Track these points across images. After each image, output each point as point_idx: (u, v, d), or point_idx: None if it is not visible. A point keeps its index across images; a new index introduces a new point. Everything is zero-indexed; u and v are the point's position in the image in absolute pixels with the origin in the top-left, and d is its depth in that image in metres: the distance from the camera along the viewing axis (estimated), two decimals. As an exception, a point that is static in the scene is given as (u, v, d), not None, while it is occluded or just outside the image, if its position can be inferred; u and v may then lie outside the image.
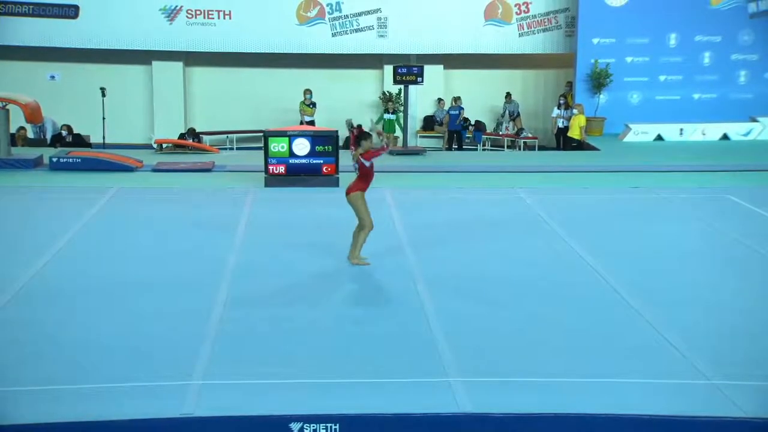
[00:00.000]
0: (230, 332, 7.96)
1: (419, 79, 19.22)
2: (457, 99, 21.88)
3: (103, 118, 20.13)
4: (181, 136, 20.91)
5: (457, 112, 21.66)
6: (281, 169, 14.91)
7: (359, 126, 10.17)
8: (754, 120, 20.90)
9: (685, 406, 6.34)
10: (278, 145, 14.88)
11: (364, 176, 9.85)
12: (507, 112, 23.05)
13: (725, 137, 20.71)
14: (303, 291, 9.22)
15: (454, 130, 21.76)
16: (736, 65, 21.67)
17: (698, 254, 10.53)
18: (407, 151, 19.57)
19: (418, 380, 6.89)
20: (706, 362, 7.16)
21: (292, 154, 14.91)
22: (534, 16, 22.88)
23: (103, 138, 20.26)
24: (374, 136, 10.05)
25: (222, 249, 10.74)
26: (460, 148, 21.77)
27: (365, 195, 9.88)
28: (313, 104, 21.74)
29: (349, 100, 22.99)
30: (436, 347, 7.59)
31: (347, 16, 22.81)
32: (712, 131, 20.75)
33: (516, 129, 22.68)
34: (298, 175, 14.91)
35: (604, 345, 7.61)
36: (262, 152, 15.12)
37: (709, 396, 6.55)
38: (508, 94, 23.02)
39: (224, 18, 22.45)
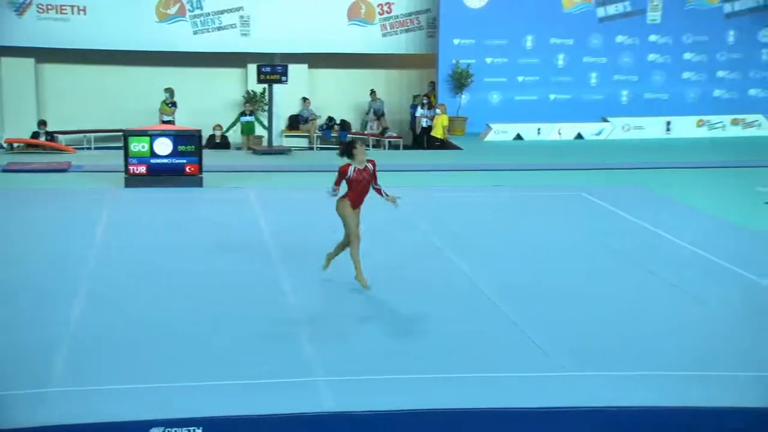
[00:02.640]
0: (87, 337, 7.69)
1: (283, 78, 19.13)
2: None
3: (-52, 118, 19.06)
4: (34, 135, 20.02)
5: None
6: (142, 169, 14.52)
7: (351, 141, 9.36)
8: (605, 120, 21.87)
9: (548, 398, 6.55)
10: (139, 145, 14.49)
11: (349, 187, 9.11)
12: (372, 110, 23.24)
13: (579, 136, 21.58)
14: (162, 293, 9.01)
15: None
16: (587, 67, 22.61)
17: (555, 250, 10.90)
18: (272, 151, 19.44)
19: (283, 381, 6.84)
20: (564, 356, 7.42)
21: (153, 154, 14.55)
22: (396, 17, 23.15)
23: (-53, 138, 19.19)
24: (359, 151, 9.08)
25: (80, 252, 10.36)
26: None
27: (352, 207, 9.10)
28: (174, 104, 21.25)
29: (212, 100, 22.58)
30: (300, 347, 7.56)
31: (209, 13, 22.43)
32: (567, 131, 21.58)
33: (381, 128, 22.90)
34: (160, 175, 14.56)
35: (471, 342, 7.77)
36: (122, 152, 14.69)
37: (567, 387, 6.79)
38: (373, 92, 23.21)
39: (78, 13, 21.63)
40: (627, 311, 8.54)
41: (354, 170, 9.07)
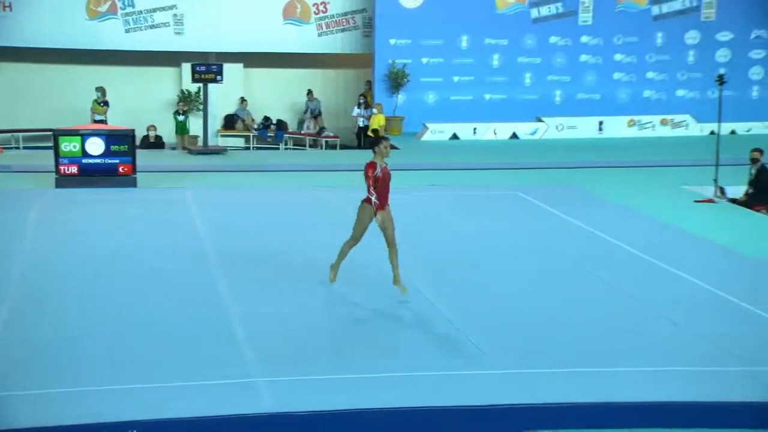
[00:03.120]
0: (12, 342, 7.50)
1: (218, 77, 18.96)
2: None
3: None
4: (-41, 135, 19.48)
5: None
6: (73, 169, 14.24)
7: (375, 131, 8.99)
8: (540, 120, 22.18)
9: (482, 396, 6.61)
10: (70, 145, 14.22)
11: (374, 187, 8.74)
12: (309, 110, 23.16)
13: (514, 136, 21.84)
14: (91, 295, 8.85)
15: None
16: (521, 68, 22.89)
17: (491, 249, 11.01)
18: (208, 150, 19.24)
19: (221, 382, 6.77)
20: (499, 352, 7.49)
21: (85, 154, 14.29)
22: (332, 16, 23.12)
23: None
24: (383, 149, 8.73)
25: (8, 254, 10.10)
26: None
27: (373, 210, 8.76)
28: (106, 103, 20.86)
29: (146, 99, 22.24)
30: (239, 347, 7.50)
31: (141, 11, 22.08)
32: (503, 130, 21.83)
33: (317, 128, 22.84)
34: (93, 175, 14.30)
35: (406, 340, 7.79)
36: (52, 152, 14.37)
37: (504, 383, 6.86)
38: (310, 92, 23.13)
39: (4, 10, 21.08)
40: (563, 309, 8.65)
41: (380, 168, 8.72)
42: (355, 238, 8.95)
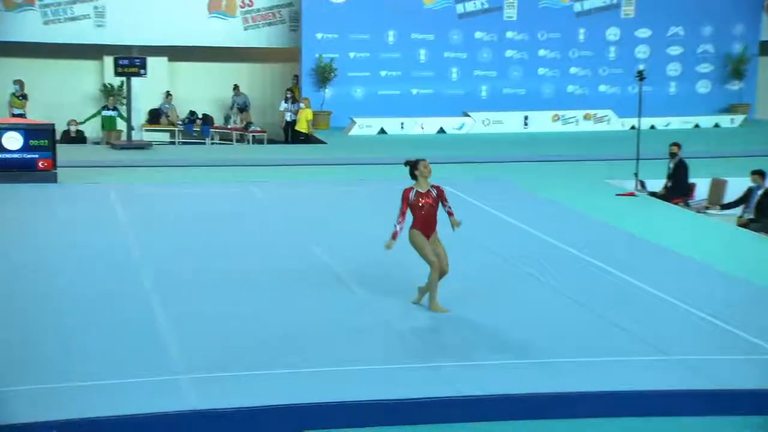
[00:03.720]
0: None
1: (142, 71, 18.64)
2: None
3: None
4: None
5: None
6: (-9, 164, 13.85)
7: (407, 161, 8.46)
8: (466, 115, 22.39)
9: (404, 389, 6.65)
10: (-14, 139, 13.81)
11: (413, 215, 8.32)
12: (235, 104, 22.94)
13: (442, 131, 22.00)
14: (9, 294, 8.64)
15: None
16: (448, 62, 23.07)
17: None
18: (132, 145, 18.91)
19: (145, 380, 6.67)
20: (422, 345, 7.54)
21: (2, 149, 13.92)
22: (258, 10, 22.94)
23: None
24: (422, 172, 8.27)
25: None
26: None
27: (428, 235, 8.30)
28: (24, 96, 20.31)
29: (67, 93, 21.76)
30: (165, 345, 7.40)
31: (60, 3, 21.56)
32: (430, 125, 21.97)
33: (244, 123, 22.64)
34: (10, 170, 13.92)
35: (333, 334, 7.78)
36: (-33, 147, 13.96)
37: (425, 376, 6.92)
38: (236, 86, 22.91)
39: None
40: (483, 302, 8.73)
41: (415, 194, 8.24)
42: (435, 265, 8.24)
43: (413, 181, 8.38)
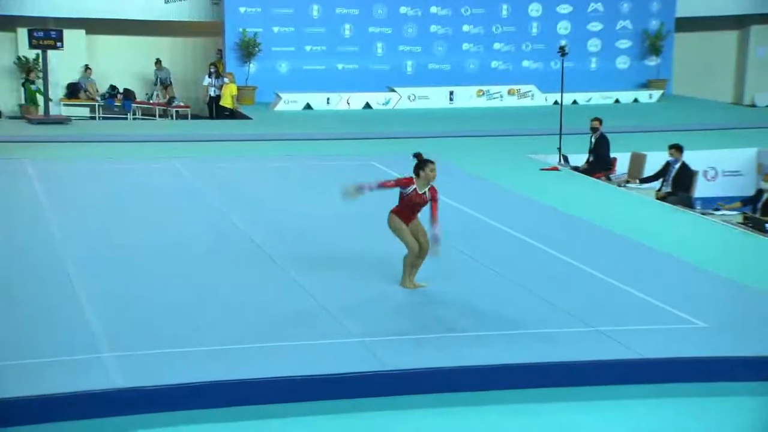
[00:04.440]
0: None
1: (59, 44, 18.13)
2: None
3: None
4: None
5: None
6: None
7: (418, 154, 8.23)
8: (392, 90, 22.41)
9: (336, 365, 6.67)
10: None
11: (400, 200, 8.25)
12: (158, 80, 22.49)
13: (368, 106, 21.98)
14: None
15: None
16: (373, 37, 23.01)
17: (346, 218, 11.06)
18: (49, 120, 18.41)
19: (68, 358, 6.55)
20: (353, 322, 7.58)
21: None
22: (180, -17, 22.47)
23: None
24: (427, 175, 8.09)
25: None
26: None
27: (407, 220, 8.20)
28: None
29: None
30: (87, 324, 7.27)
31: (-30, -28, 20.76)
32: (356, 100, 21.91)
33: (167, 98, 22.22)
34: None
35: (262, 312, 7.76)
36: None
37: (357, 352, 6.96)
38: (158, 61, 22.45)
39: None
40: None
41: (413, 191, 8.11)
42: (412, 248, 8.22)
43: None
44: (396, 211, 8.27)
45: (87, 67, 21.85)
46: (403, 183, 8.20)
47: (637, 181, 14.12)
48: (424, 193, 8.17)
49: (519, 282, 8.67)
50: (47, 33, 18.20)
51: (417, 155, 8.28)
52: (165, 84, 22.48)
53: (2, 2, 20.92)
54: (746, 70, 26.12)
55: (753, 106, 25.40)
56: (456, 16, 23.37)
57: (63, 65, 21.06)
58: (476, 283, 8.68)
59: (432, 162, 8.20)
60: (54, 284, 8.27)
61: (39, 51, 18.61)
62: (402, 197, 8.23)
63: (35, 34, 18.01)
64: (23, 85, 20.35)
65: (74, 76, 21.90)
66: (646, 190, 13.65)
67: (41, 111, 19.12)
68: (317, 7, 22.49)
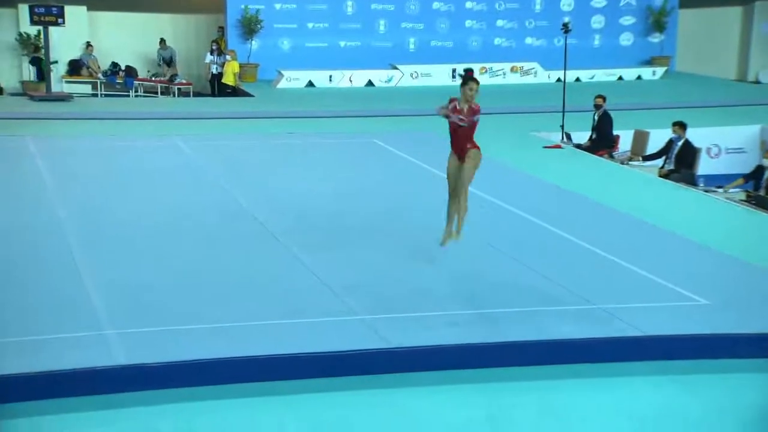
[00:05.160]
0: None
1: (60, 20, 18.07)
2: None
3: None
4: None
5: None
6: None
7: (470, 70, 8.10)
8: (395, 67, 22.31)
9: (338, 342, 6.68)
10: None
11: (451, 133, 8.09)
12: (162, 59, 22.42)
13: (370, 83, 21.90)
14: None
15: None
16: (375, 14, 22.88)
17: (349, 196, 11.07)
18: (51, 97, 18.37)
19: (72, 335, 6.58)
20: (355, 299, 7.58)
21: None
22: (182, -41, 22.36)
23: None
24: (467, 86, 7.96)
25: None
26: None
27: (456, 158, 8.15)
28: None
29: (-20, 42, 20.93)
30: (90, 301, 7.29)
31: (-28, -52, 20.64)
32: (358, 78, 21.83)
33: (169, 75, 22.15)
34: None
35: (265, 290, 7.76)
36: None
37: (359, 330, 6.97)
38: (162, 40, 22.36)
39: None
40: (416, 258, 8.80)
41: (452, 106, 7.97)
42: (453, 194, 8.12)
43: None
44: (451, 148, 8.05)
45: (88, 44, 21.77)
46: (450, 102, 7.99)
47: (640, 158, 14.09)
48: (468, 108, 7.92)
49: (521, 260, 8.66)
50: (48, 9, 18.12)
51: (466, 71, 8.16)
52: (168, 63, 22.39)
53: (3, -21, 20.85)
54: (750, 46, 25.97)
55: (757, 82, 25.30)
56: (459, -7, 23.24)
57: (64, 42, 20.97)
58: (478, 261, 8.67)
59: (475, 81, 7.98)
60: (56, 261, 8.28)
61: (40, 27, 18.53)
62: (450, 123, 8.03)
63: (36, 10, 17.94)
64: (32, 62, 20.26)
65: (76, 53, 21.82)
66: (649, 167, 13.62)
67: (55, 87, 19.06)
68: (320, -16, 22.37)
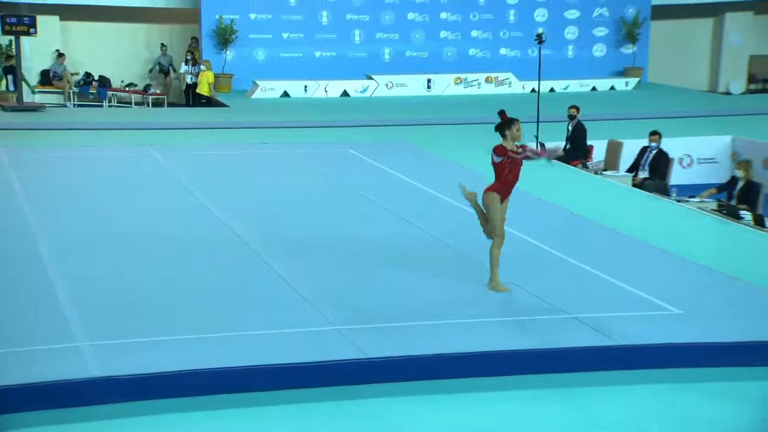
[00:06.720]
0: None
1: (32, 30, 17.96)
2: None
3: None
4: None
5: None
6: None
7: (502, 111, 7.87)
8: (370, 78, 22.36)
9: (314, 353, 6.66)
10: None
11: (497, 176, 7.78)
12: (159, 65, 22.48)
13: (345, 94, 21.92)
14: None
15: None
16: (351, 25, 22.93)
17: (324, 206, 11.06)
18: (23, 107, 18.23)
19: (45, 347, 6.51)
20: (330, 310, 7.57)
21: None
22: (155, -31, 22.29)
23: None
24: (513, 133, 7.70)
25: None
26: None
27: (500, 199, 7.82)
28: None
29: (-48, 52, 20.72)
30: (63, 313, 7.22)
31: (-59, -43, 20.45)
32: (334, 88, 21.85)
33: (145, 85, 22.08)
34: None
35: (239, 300, 7.73)
36: None
37: (334, 340, 6.95)
38: (164, 46, 22.43)
39: None
40: (390, 263, 8.81)
41: (512, 149, 7.66)
42: (501, 234, 7.83)
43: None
44: (495, 188, 7.76)
45: (60, 54, 21.61)
46: (505, 148, 7.65)
47: (616, 169, 14.18)
48: (517, 151, 7.64)
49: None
50: (20, 19, 18.01)
51: (501, 113, 7.92)
52: (167, 72, 22.37)
53: (-26, -12, 20.67)
54: (721, 57, 26.28)
55: (728, 93, 25.60)
56: (433, 4, 23.33)
57: (37, 52, 20.82)
58: (453, 270, 8.69)
59: (517, 120, 7.83)
60: (29, 273, 8.20)
61: (12, 37, 18.39)
62: (499, 168, 7.70)
63: (8, 20, 17.82)
64: (4, 71, 20.09)
65: (48, 63, 21.67)
66: (623, 177, 13.72)
67: (27, 98, 18.92)
68: (294, -6, 22.38)
